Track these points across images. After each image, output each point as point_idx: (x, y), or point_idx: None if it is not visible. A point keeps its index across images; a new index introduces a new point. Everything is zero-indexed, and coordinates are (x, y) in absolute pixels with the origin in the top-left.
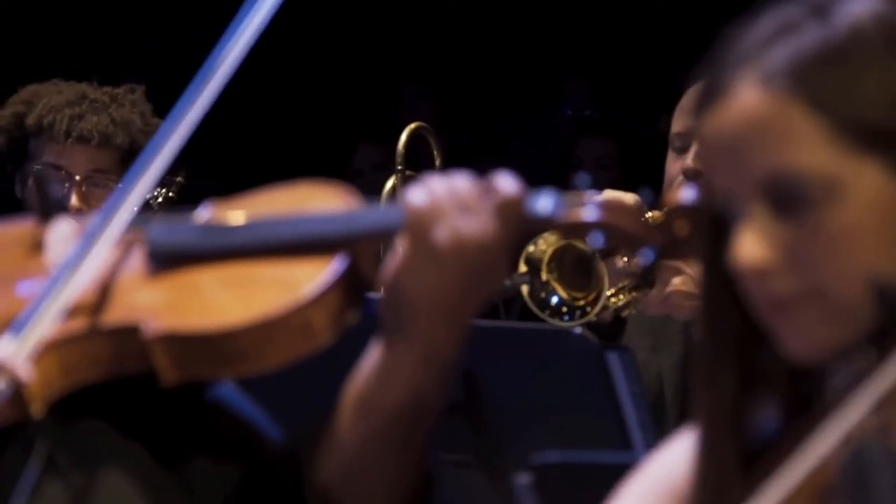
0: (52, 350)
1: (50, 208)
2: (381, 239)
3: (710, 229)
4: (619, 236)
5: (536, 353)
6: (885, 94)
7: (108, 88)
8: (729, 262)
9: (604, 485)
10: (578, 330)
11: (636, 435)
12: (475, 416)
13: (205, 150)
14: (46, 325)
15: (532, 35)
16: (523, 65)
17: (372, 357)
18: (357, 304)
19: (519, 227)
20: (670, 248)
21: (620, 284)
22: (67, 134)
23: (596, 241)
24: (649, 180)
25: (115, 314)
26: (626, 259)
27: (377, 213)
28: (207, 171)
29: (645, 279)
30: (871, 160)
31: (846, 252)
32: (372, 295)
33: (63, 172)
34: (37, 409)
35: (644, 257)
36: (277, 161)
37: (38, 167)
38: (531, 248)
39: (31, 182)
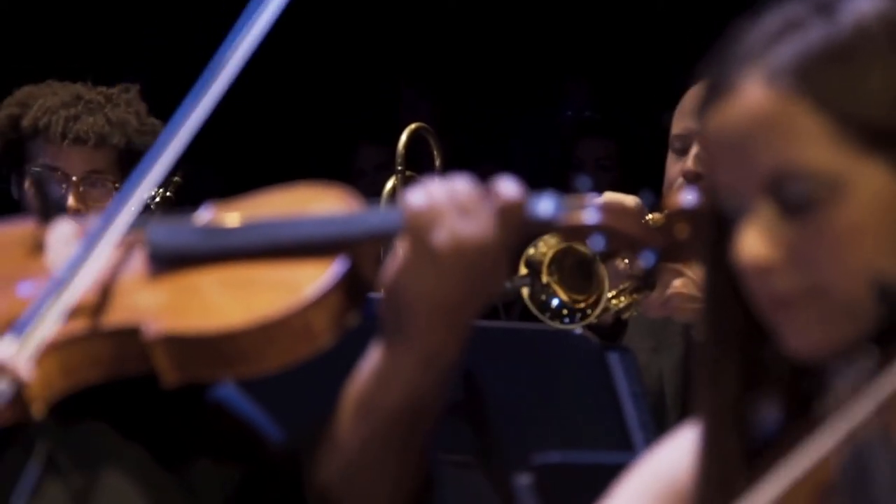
0: (53, 351)
1: (50, 209)
2: (381, 241)
3: (714, 226)
4: (619, 239)
5: (537, 354)
6: (889, 93)
7: (102, 88)
8: (732, 260)
9: (604, 485)
10: (579, 330)
11: (637, 435)
12: (476, 417)
13: (206, 150)
14: (48, 326)
15: (532, 35)
16: (523, 65)
17: (372, 358)
18: (358, 306)
19: (520, 230)
20: (671, 250)
21: (621, 287)
22: (63, 135)
23: (597, 243)
24: (649, 181)
25: (116, 315)
26: (626, 261)
27: (378, 215)
28: (209, 171)
29: (646, 282)
30: (876, 159)
31: (849, 251)
32: (372, 296)
33: (60, 173)
34: (37, 409)
35: (645, 260)
36: (278, 162)
37: (37, 169)
38: (531, 251)
39: (28, 183)
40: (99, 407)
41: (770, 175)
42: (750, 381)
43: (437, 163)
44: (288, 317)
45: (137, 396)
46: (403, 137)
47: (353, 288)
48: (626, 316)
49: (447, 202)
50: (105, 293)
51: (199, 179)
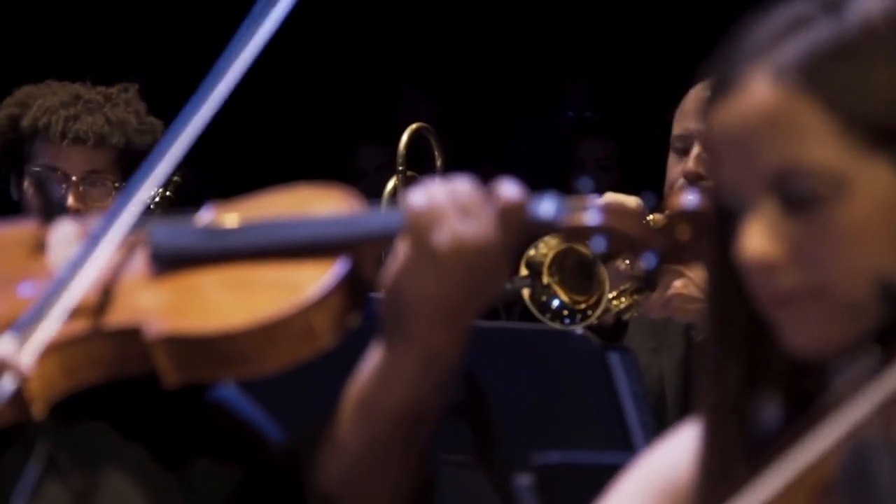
0: (54, 351)
1: (52, 210)
2: (382, 242)
3: (718, 222)
4: (621, 240)
5: (538, 354)
6: (895, 92)
7: (101, 88)
8: (735, 257)
9: (605, 486)
10: (580, 330)
11: (637, 436)
12: (476, 417)
13: (207, 151)
14: (50, 325)
15: (532, 35)
16: (523, 65)
17: (372, 359)
18: (359, 307)
19: (521, 231)
20: (672, 252)
21: (622, 287)
22: (63, 135)
23: (598, 244)
24: (650, 181)
25: (118, 316)
26: (627, 262)
27: (379, 216)
28: (210, 172)
29: (646, 283)
30: (881, 158)
31: (852, 249)
32: (373, 296)
33: (59, 173)
34: (38, 410)
35: (646, 261)
36: (279, 162)
37: (38, 169)
38: (532, 252)
39: (28, 184)
40: (99, 407)
41: (775, 172)
42: (752, 379)
43: (438, 163)
44: (289, 317)
45: (138, 397)
46: (404, 138)
47: (354, 289)
48: (626, 317)
49: (448, 203)
50: (106, 293)
51: (199, 180)
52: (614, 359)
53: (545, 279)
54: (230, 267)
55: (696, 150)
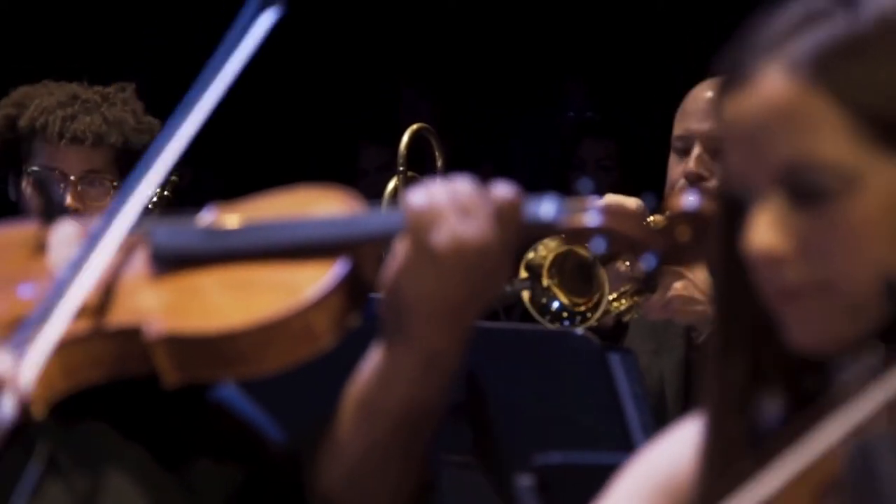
0: (55, 351)
1: (53, 210)
2: (382, 242)
3: (725, 216)
4: (621, 242)
5: (538, 354)
6: None
7: (98, 88)
8: (742, 250)
9: (606, 486)
10: (580, 331)
11: (638, 436)
12: (477, 417)
13: (207, 152)
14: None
15: (532, 36)
16: (524, 66)
17: (372, 360)
18: (359, 308)
19: (520, 231)
20: (672, 253)
21: (622, 289)
22: (61, 135)
23: (598, 246)
24: (650, 181)
25: (118, 316)
26: (627, 264)
27: (379, 217)
28: (210, 173)
29: (647, 284)
30: (892, 155)
31: (859, 246)
32: (373, 296)
33: (57, 173)
34: (38, 410)
35: (646, 262)
36: (280, 163)
37: (37, 169)
38: (531, 255)
39: (26, 184)
40: (100, 407)
41: (785, 166)
42: (756, 374)
43: (439, 163)
44: (288, 318)
45: (138, 397)
46: (405, 138)
47: (354, 289)
48: (627, 318)
49: (448, 203)
50: (107, 294)
51: (200, 180)
52: (615, 359)
53: (545, 281)
54: (230, 267)
55: (696, 150)
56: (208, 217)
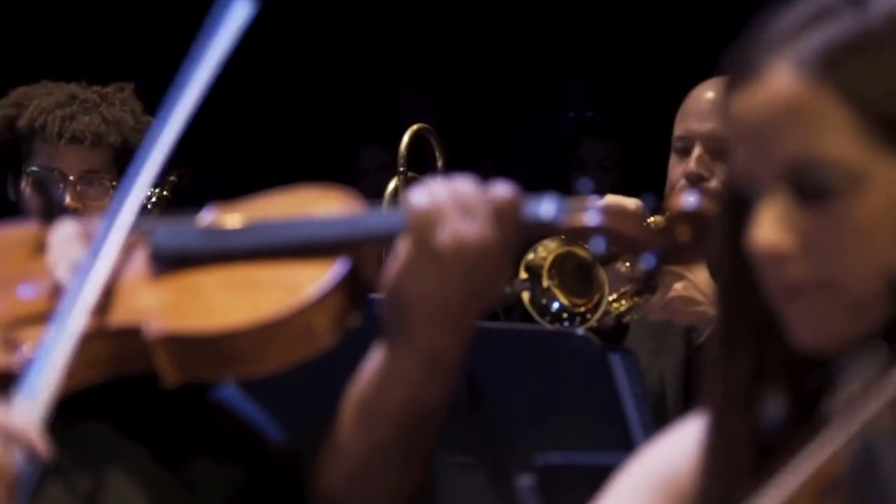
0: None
1: (53, 210)
2: (383, 242)
3: (730, 213)
4: (621, 241)
5: (539, 355)
6: None
7: (97, 88)
8: (747, 246)
9: (606, 486)
10: (581, 331)
11: (638, 436)
12: (478, 418)
13: (208, 152)
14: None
15: (532, 36)
16: (524, 66)
17: (373, 360)
18: (359, 307)
19: (520, 231)
20: (672, 253)
21: (622, 290)
22: (60, 135)
23: (598, 245)
24: (650, 181)
25: (119, 316)
26: (627, 265)
27: (379, 216)
28: (211, 173)
29: (647, 285)
30: None
31: (864, 245)
32: (374, 296)
33: (57, 173)
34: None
35: (646, 262)
36: (280, 163)
37: (37, 169)
38: (531, 256)
39: (25, 184)
40: (100, 407)
41: (791, 162)
42: (760, 371)
43: (440, 164)
44: (289, 317)
45: (139, 396)
46: (406, 138)
47: (354, 289)
48: (627, 319)
49: (449, 202)
50: (107, 294)
51: (200, 181)
52: (615, 360)
53: (545, 282)
54: (230, 267)
55: (697, 151)
56: (208, 217)
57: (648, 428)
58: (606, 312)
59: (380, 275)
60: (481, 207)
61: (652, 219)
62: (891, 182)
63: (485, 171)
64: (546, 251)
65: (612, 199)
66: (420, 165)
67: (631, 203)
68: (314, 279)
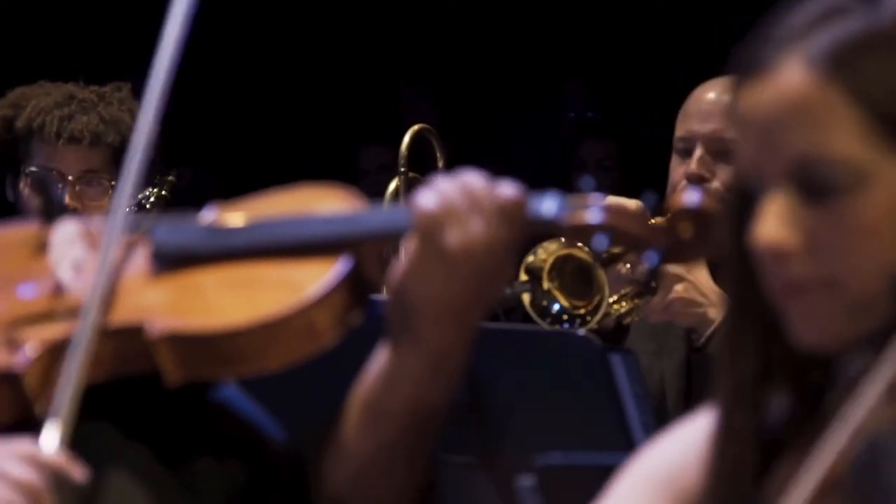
0: (57, 351)
1: (53, 210)
2: (385, 240)
3: (737, 210)
4: (623, 238)
5: (539, 355)
6: None
7: (94, 87)
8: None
9: (607, 486)
10: (581, 332)
11: (639, 437)
12: (478, 418)
13: (208, 153)
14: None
15: (533, 36)
16: (524, 66)
17: (378, 360)
18: (361, 305)
19: (524, 229)
20: (674, 250)
21: (623, 291)
22: (58, 135)
23: (600, 243)
24: (651, 181)
25: (120, 315)
26: (628, 266)
27: (382, 215)
28: (211, 173)
29: (647, 286)
30: None
31: (867, 243)
32: (377, 297)
33: (55, 173)
34: (40, 409)
35: (648, 260)
36: (281, 163)
37: (36, 170)
38: (531, 258)
39: (24, 185)
40: (102, 406)
41: (797, 159)
42: (766, 369)
43: (440, 164)
44: (290, 316)
45: (140, 396)
46: (406, 138)
47: (356, 287)
48: (627, 321)
49: (460, 203)
50: (110, 293)
51: (200, 181)
52: (616, 360)
53: (545, 284)
54: (232, 266)
55: (698, 151)
56: (209, 216)
57: (649, 428)
58: (607, 314)
59: (382, 273)
60: (488, 207)
61: (653, 220)
62: (894, 182)
63: (485, 172)
64: (546, 253)
65: (612, 199)
66: (421, 166)
67: (631, 204)
68: (316, 278)
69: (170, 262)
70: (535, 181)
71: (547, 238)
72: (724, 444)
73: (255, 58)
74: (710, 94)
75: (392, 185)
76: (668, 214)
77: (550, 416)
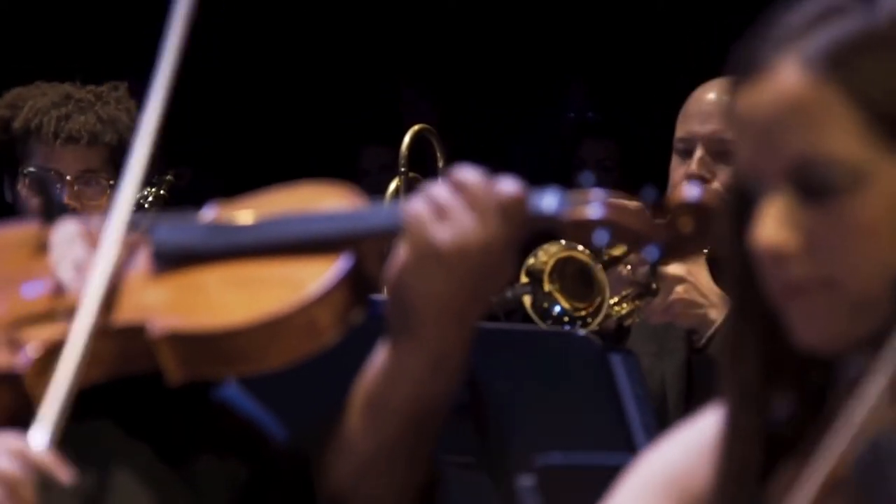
0: (59, 351)
1: (54, 210)
2: (386, 238)
3: (736, 211)
4: (623, 234)
5: (539, 355)
6: None
7: (91, 87)
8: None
9: (607, 487)
10: (582, 332)
11: (640, 437)
12: (478, 418)
13: (208, 152)
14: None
15: (533, 36)
16: (524, 66)
17: (379, 359)
18: (362, 303)
19: (524, 225)
20: (675, 245)
21: (624, 293)
22: (56, 135)
23: (600, 239)
24: (651, 181)
25: (122, 314)
26: (629, 268)
27: (381, 212)
28: (211, 173)
29: (648, 288)
30: None
31: (866, 244)
32: (378, 296)
33: (53, 173)
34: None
35: (649, 255)
36: (281, 163)
37: (35, 170)
38: (531, 261)
39: (22, 186)
40: (104, 405)
41: (795, 159)
42: (770, 370)
43: (440, 164)
44: (292, 314)
45: (142, 395)
46: (407, 139)
47: (357, 285)
48: (628, 322)
49: (449, 200)
50: (111, 292)
51: (200, 181)
52: (616, 360)
53: (546, 286)
54: (233, 264)
55: (699, 152)
56: (210, 214)
57: (650, 429)
58: (608, 316)
59: (382, 270)
60: (487, 203)
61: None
62: (894, 181)
63: (485, 171)
64: (547, 255)
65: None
66: (421, 165)
67: (631, 204)
68: (317, 275)
69: (170, 261)
70: (535, 181)
71: (547, 238)
72: (731, 444)
73: (255, 58)
74: (711, 94)
75: (392, 185)
76: (669, 209)
77: (550, 416)
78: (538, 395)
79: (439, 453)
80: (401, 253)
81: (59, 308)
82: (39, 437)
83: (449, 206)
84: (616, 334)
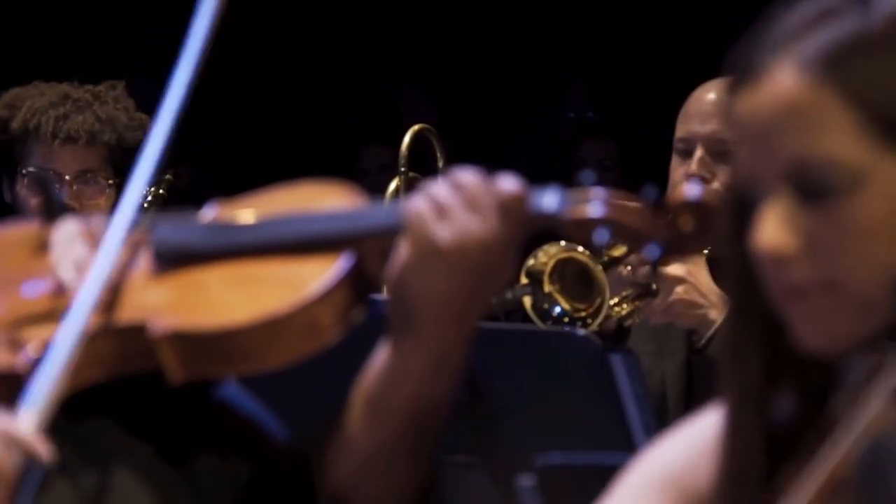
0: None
1: (54, 209)
2: (387, 237)
3: (735, 213)
4: (624, 232)
5: (539, 355)
6: None
7: (89, 87)
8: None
9: (607, 486)
10: (581, 331)
11: (639, 437)
12: (478, 418)
13: (209, 152)
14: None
15: (533, 36)
16: (524, 66)
17: (380, 358)
18: (363, 302)
19: (524, 224)
20: (675, 243)
21: (624, 294)
22: (54, 135)
23: (601, 237)
24: (651, 181)
25: (123, 314)
26: (629, 268)
27: (382, 211)
28: (211, 173)
29: (648, 288)
30: None
31: (866, 245)
32: (379, 296)
33: (52, 173)
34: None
35: (649, 253)
36: (280, 163)
37: (34, 170)
38: (531, 262)
39: (21, 186)
40: (105, 405)
41: (793, 162)
42: (771, 371)
43: (440, 164)
44: (293, 313)
45: (143, 394)
46: (406, 138)
47: (358, 284)
48: (628, 323)
49: (449, 199)
50: (112, 292)
51: (200, 181)
52: (616, 360)
53: (546, 287)
54: (234, 263)
55: (699, 152)
56: (210, 214)
57: (649, 428)
58: (608, 317)
59: (384, 269)
60: (486, 202)
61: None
62: (893, 182)
63: (485, 172)
64: (547, 256)
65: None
66: (421, 166)
67: (632, 203)
68: (318, 274)
69: (171, 260)
70: (536, 181)
71: (547, 238)
72: (732, 444)
73: (255, 58)
74: (711, 94)
75: (392, 185)
76: (670, 207)
77: (550, 416)
78: (538, 394)
79: (439, 453)
80: (402, 252)
81: (60, 308)
82: (26, 421)
83: (449, 205)
84: (616, 335)
